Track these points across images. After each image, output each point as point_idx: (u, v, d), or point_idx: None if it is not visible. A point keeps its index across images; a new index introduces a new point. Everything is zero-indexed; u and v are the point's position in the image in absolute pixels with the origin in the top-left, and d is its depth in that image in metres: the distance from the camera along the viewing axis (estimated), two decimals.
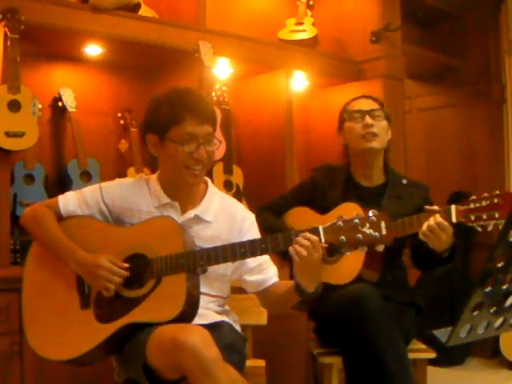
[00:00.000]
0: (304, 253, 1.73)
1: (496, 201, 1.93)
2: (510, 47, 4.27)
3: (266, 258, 2.02)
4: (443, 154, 4.45)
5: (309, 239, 1.74)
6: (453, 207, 2.03)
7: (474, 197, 1.99)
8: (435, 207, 2.08)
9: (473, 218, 1.97)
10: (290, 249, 1.76)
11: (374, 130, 2.39)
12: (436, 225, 2.02)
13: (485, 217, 1.95)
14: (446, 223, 2.02)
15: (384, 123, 2.44)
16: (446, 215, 2.03)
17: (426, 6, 4.11)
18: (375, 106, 2.45)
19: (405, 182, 2.47)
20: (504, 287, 1.49)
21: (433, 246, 2.09)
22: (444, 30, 4.42)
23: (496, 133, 4.24)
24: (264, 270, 2.00)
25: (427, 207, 2.09)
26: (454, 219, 2.02)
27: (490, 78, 4.25)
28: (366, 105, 2.45)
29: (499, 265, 1.44)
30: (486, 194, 1.97)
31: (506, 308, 1.53)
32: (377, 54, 3.56)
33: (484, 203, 1.95)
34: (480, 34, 4.28)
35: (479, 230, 1.98)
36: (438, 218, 2.03)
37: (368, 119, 2.39)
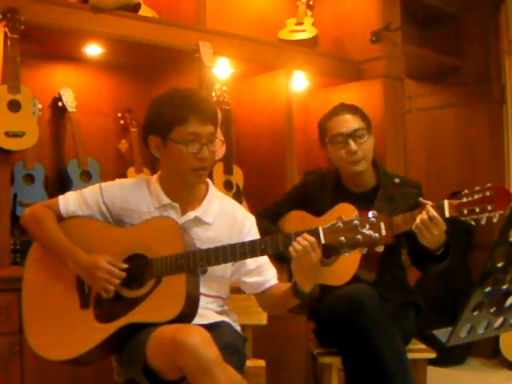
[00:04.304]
0: (302, 252, 1.75)
1: (488, 194, 1.93)
2: (510, 47, 4.27)
3: (265, 259, 2.02)
4: (443, 154, 4.44)
5: (307, 240, 1.76)
6: (445, 202, 2.01)
7: (466, 191, 1.99)
8: (429, 201, 2.06)
9: (466, 211, 1.96)
10: (290, 248, 1.78)
11: (358, 155, 2.31)
12: (429, 218, 2.00)
13: (477, 210, 1.94)
14: (438, 217, 2.01)
15: (368, 143, 2.34)
16: (439, 210, 2.02)
17: (426, 6, 4.11)
18: (356, 123, 2.34)
19: (397, 181, 2.41)
20: (504, 287, 1.49)
21: (425, 242, 2.07)
22: (444, 30, 4.42)
23: (496, 133, 4.24)
24: (263, 272, 2.00)
25: (421, 199, 2.08)
26: (447, 214, 2.00)
27: (490, 77, 4.24)
28: (347, 125, 2.33)
29: (499, 265, 1.45)
30: (477, 188, 1.96)
31: (506, 308, 1.53)
32: (377, 54, 3.56)
33: (476, 196, 1.94)
34: (480, 34, 4.27)
35: (473, 223, 1.96)
36: (432, 211, 2.01)
37: (352, 145, 2.30)
